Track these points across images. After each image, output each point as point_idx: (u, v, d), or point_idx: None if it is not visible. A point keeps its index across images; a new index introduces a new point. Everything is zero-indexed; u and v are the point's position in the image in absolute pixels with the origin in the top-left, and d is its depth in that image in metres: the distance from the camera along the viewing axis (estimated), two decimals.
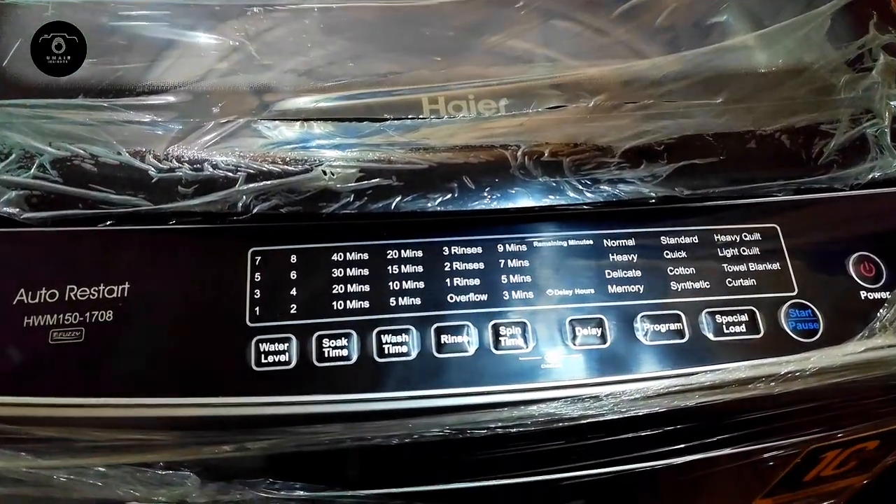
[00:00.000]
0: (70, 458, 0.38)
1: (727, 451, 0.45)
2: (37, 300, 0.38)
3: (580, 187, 0.41)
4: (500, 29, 0.52)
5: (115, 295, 0.39)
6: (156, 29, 0.48)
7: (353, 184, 0.40)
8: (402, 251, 0.41)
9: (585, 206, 0.41)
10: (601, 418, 0.38)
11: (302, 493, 0.41)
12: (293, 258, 0.40)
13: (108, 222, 0.40)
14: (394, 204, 0.40)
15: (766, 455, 0.47)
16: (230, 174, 0.40)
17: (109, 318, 0.38)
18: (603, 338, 0.40)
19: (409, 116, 0.44)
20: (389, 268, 0.41)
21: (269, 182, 0.40)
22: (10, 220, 0.40)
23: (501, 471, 0.43)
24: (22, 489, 0.40)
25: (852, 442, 0.49)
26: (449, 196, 0.41)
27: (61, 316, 0.38)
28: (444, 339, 0.39)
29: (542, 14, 0.54)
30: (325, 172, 0.40)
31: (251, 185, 0.40)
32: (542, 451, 0.41)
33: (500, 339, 0.39)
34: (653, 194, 0.42)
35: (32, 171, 0.40)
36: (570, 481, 0.44)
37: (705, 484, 0.53)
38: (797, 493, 0.56)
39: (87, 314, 0.38)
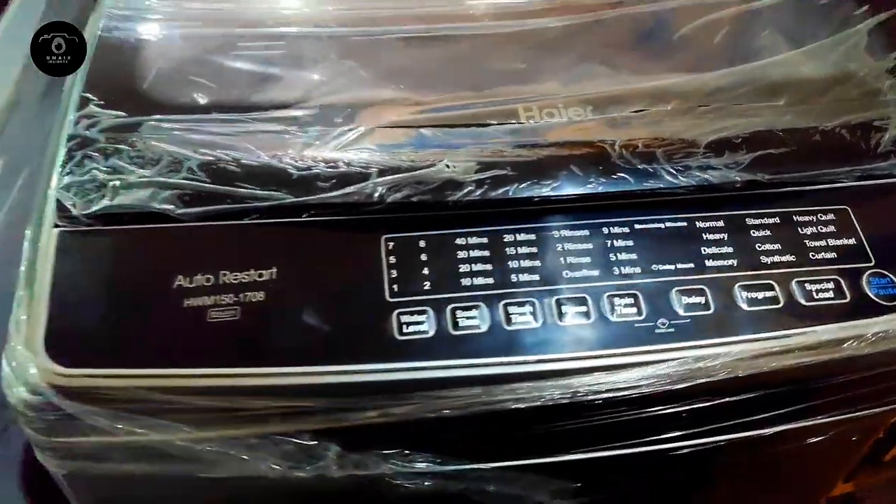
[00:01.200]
0: (223, 428, 0.41)
1: (817, 419, 0.48)
2: (193, 284, 0.42)
3: (675, 172, 0.46)
4: (570, 54, 0.58)
5: (265, 278, 0.43)
6: (274, 57, 0.54)
7: (473, 175, 0.45)
8: (518, 235, 0.45)
9: (681, 189, 0.46)
10: (715, 377, 0.42)
11: (435, 466, 0.44)
12: (422, 243, 0.45)
13: (255, 216, 0.44)
14: (511, 191, 0.45)
15: (850, 425, 0.50)
16: (363, 170, 0.45)
17: (261, 297, 0.42)
18: (707, 305, 0.44)
19: (511, 122, 0.50)
20: (507, 249, 0.45)
21: (399, 175, 0.45)
22: (166, 216, 0.44)
23: (621, 439, 0.46)
24: (168, 466, 0.43)
25: None
26: (560, 182, 0.45)
27: (217, 297, 0.42)
28: (564, 309, 0.43)
29: (602, 45, 0.60)
30: (447, 166, 0.45)
31: (384, 178, 0.45)
32: (651, 416, 0.44)
33: (614, 308, 0.43)
34: (738, 178, 0.47)
35: (182, 173, 0.45)
36: (677, 451, 0.47)
37: (790, 463, 0.55)
38: (877, 476, 0.58)
39: (241, 295, 0.42)
